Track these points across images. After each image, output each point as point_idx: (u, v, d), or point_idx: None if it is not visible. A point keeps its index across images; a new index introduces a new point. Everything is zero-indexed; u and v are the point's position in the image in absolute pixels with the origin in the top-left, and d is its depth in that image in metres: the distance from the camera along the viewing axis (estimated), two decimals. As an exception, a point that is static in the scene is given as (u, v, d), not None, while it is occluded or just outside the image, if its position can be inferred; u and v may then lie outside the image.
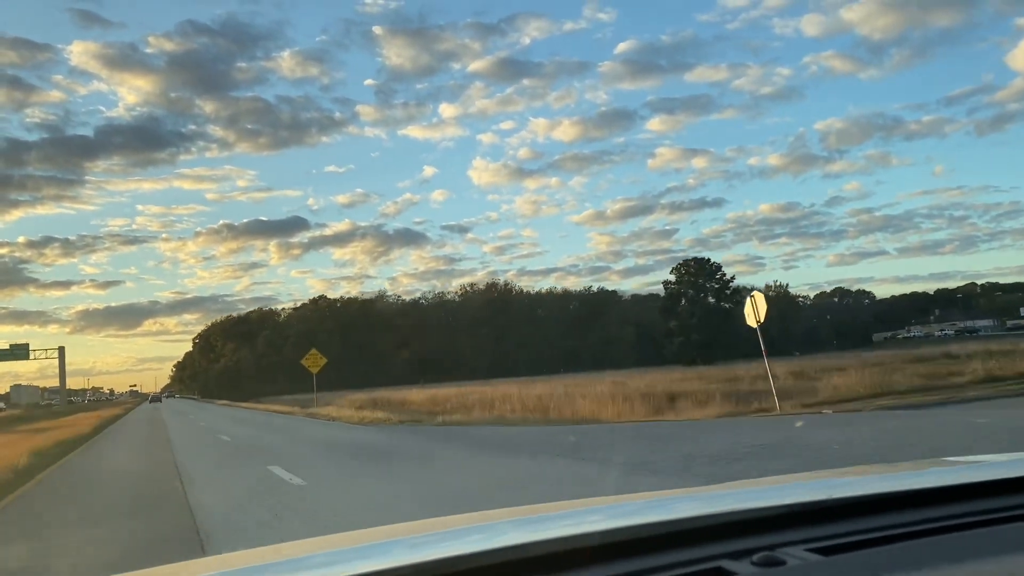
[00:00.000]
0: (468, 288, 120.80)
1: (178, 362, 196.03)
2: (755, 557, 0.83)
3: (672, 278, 72.24)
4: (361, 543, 0.93)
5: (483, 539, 0.85)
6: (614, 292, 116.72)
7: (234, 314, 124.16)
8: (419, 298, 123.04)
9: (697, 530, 0.88)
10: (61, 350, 79.61)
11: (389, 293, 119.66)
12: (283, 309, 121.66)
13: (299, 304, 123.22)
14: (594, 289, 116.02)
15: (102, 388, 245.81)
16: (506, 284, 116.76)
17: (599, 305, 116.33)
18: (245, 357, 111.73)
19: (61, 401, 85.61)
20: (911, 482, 1.09)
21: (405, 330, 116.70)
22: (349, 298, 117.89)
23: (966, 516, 0.95)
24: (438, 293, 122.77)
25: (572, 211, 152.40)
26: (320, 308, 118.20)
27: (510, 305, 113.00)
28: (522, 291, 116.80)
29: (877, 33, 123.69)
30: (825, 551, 0.85)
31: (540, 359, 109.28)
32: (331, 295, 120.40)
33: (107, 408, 70.96)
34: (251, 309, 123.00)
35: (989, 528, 0.90)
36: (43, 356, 77.86)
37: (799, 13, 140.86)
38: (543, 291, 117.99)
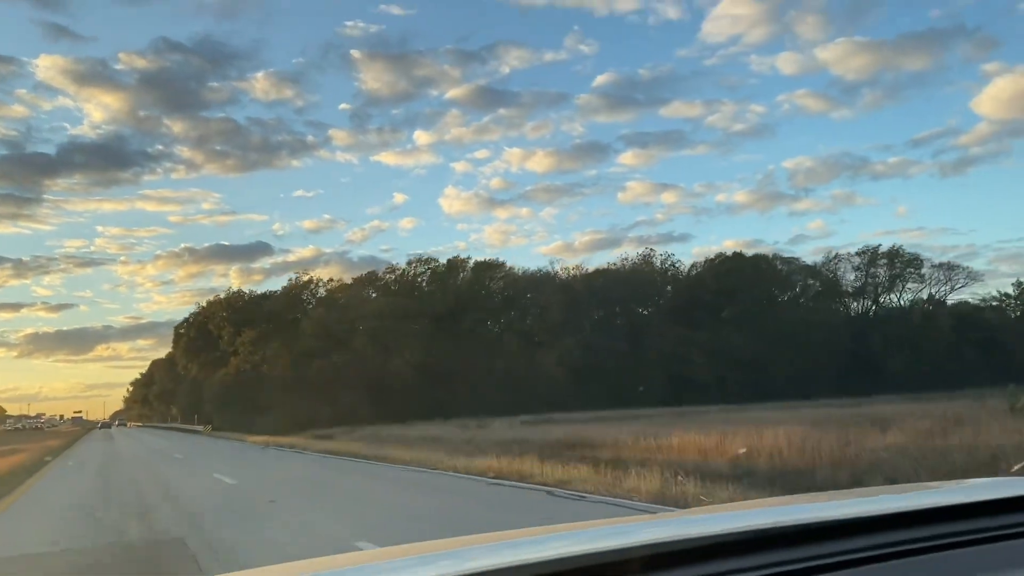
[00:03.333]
0: (651, 255, 72.80)
1: (140, 376, 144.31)
2: None
3: None
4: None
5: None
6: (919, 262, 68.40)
7: (247, 290, 74.46)
8: (546, 268, 74.33)
9: (655, 558, 0.89)
10: None
11: (499, 259, 70.58)
12: (327, 282, 72.21)
13: (353, 279, 73.90)
14: (901, 252, 67.15)
15: (44, 414, 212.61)
16: (737, 253, 68.07)
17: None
18: (277, 356, 62.22)
19: None
20: (866, 508, 1.10)
21: (553, 318, 68.31)
22: (453, 260, 68.82)
23: (923, 541, 0.98)
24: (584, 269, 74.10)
25: (541, 242, 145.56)
26: (392, 283, 69.27)
27: (745, 280, 65.06)
28: (771, 257, 68.28)
29: (851, 73, 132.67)
30: None
31: (800, 370, 62.17)
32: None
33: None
34: (277, 288, 73.03)
35: (944, 552, 0.94)
36: None
37: (776, 51, 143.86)
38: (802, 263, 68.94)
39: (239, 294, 72.18)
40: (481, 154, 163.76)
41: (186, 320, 78.32)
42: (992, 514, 1.03)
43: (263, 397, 61.54)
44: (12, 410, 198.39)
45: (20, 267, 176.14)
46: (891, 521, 1.00)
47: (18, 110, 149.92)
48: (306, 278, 70.74)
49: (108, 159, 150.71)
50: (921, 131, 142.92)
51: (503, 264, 67.61)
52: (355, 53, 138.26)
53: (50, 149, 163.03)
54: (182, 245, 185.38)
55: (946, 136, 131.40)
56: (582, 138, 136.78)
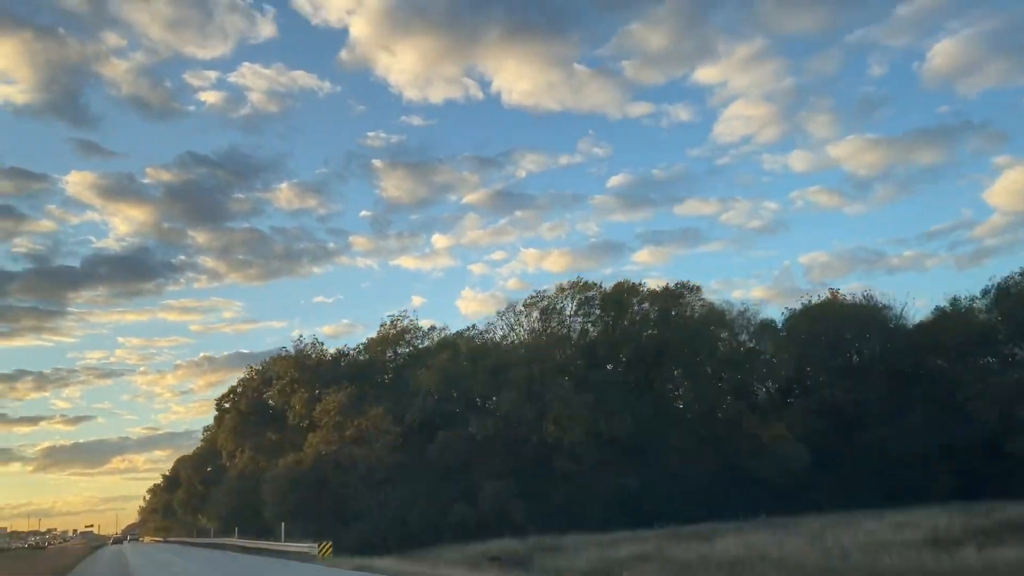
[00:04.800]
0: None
1: (162, 479, 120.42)
2: None
3: None
4: None
5: None
6: None
7: (318, 344, 53.35)
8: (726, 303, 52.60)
9: None
10: None
11: (690, 280, 48.96)
12: (428, 331, 51.06)
13: (470, 327, 52.89)
14: None
15: (55, 529, 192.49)
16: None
17: None
18: (379, 429, 40.77)
19: None
20: None
21: (775, 370, 46.63)
22: (622, 284, 47.51)
23: None
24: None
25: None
26: (538, 319, 48.31)
27: None
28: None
29: (862, 169, 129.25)
30: None
31: None
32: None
33: None
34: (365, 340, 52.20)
35: None
36: None
37: (788, 149, 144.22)
38: None
39: (309, 350, 51.31)
40: (498, 255, 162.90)
41: (232, 390, 57.11)
42: None
43: (357, 492, 39.84)
44: (23, 526, 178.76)
45: (41, 380, 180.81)
46: None
47: (46, 225, 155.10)
48: (404, 323, 50.00)
49: (132, 271, 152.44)
50: (935, 224, 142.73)
51: (696, 288, 46.35)
52: (376, 162, 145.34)
53: (75, 262, 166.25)
54: (201, 354, 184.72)
55: (961, 228, 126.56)
56: (598, 237, 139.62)
